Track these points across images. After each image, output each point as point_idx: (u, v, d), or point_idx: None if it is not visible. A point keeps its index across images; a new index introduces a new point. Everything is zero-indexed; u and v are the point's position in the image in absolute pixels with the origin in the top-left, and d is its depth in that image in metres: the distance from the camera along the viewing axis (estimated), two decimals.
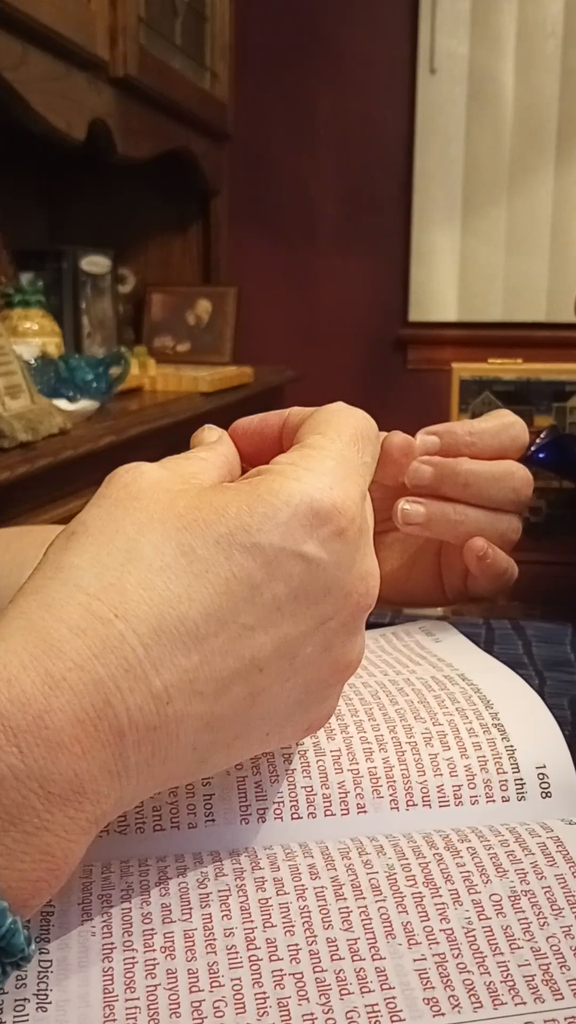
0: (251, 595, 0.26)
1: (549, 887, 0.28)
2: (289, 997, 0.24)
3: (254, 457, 0.35)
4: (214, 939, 0.26)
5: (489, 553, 0.48)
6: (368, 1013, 0.24)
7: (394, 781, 0.33)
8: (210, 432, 0.35)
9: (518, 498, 0.49)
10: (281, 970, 0.25)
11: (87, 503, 0.29)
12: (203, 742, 0.27)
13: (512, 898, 0.27)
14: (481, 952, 0.26)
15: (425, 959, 0.25)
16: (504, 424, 0.50)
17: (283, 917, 0.27)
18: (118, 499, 0.28)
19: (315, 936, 0.26)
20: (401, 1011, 0.24)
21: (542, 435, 0.64)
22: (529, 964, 0.25)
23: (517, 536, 0.49)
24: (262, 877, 0.28)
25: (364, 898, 0.27)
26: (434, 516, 0.48)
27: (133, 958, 0.25)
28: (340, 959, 0.25)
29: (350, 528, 0.28)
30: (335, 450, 0.30)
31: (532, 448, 0.63)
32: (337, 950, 0.26)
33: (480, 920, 0.27)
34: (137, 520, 0.27)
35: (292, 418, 0.34)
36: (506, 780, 0.33)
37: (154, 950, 0.26)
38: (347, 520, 0.28)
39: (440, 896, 0.27)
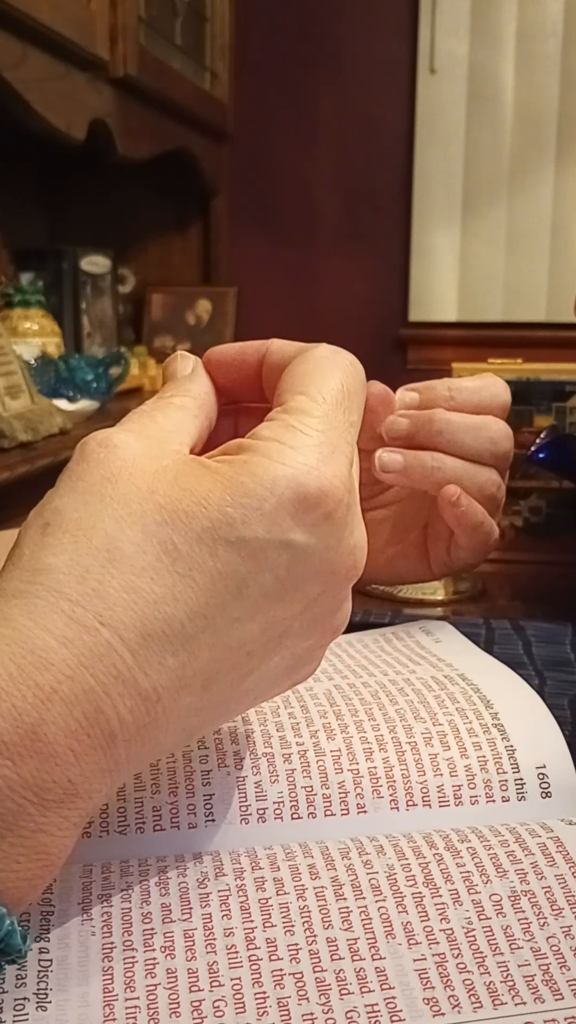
0: (237, 590, 0.26)
1: (549, 887, 0.28)
2: (289, 997, 0.24)
3: (230, 391, 0.33)
4: (214, 939, 0.26)
5: (462, 500, 0.48)
6: (368, 1013, 0.24)
7: (394, 781, 0.33)
8: (183, 362, 0.33)
9: (496, 449, 0.49)
10: (281, 970, 0.25)
11: (58, 481, 0.27)
12: (192, 724, 0.27)
13: (512, 898, 0.27)
14: (481, 952, 0.26)
15: (425, 959, 0.25)
16: (485, 383, 0.50)
17: (283, 917, 0.27)
18: (92, 483, 0.26)
19: (315, 936, 0.26)
20: (401, 1011, 0.24)
21: (542, 435, 0.64)
22: (529, 964, 0.25)
23: (497, 491, 0.49)
24: (262, 877, 0.28)
25: (364, 898, 0.27)
26: (410, 464, 0.49)
27: (133, 958, 0.25)
28: (340, 959, 0.25)
29: (338, 509, 0.27)
30: (320, 415, 0.28)
31: (532, 448, 0.63)
32: (337, 950, 0.26)
33: (480, 920, 0.27)
34: (116, 514, 0.26)
35: (272, 355, 0.32)
36: (506, 780, 0.33)
37: (154, 950, 0.26)
38: (335, 502, 0.27)
39: (440, 896, 0.27)
